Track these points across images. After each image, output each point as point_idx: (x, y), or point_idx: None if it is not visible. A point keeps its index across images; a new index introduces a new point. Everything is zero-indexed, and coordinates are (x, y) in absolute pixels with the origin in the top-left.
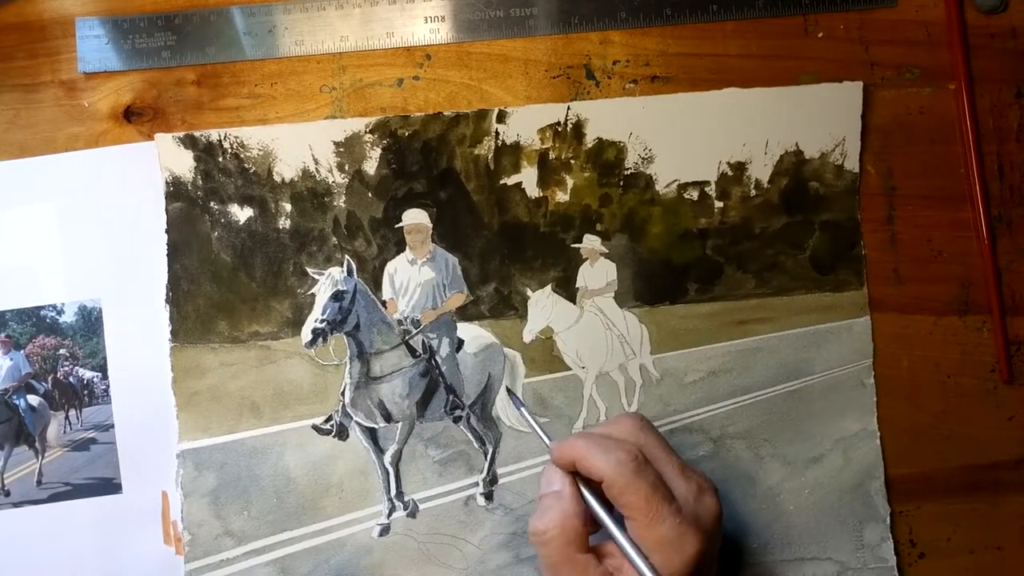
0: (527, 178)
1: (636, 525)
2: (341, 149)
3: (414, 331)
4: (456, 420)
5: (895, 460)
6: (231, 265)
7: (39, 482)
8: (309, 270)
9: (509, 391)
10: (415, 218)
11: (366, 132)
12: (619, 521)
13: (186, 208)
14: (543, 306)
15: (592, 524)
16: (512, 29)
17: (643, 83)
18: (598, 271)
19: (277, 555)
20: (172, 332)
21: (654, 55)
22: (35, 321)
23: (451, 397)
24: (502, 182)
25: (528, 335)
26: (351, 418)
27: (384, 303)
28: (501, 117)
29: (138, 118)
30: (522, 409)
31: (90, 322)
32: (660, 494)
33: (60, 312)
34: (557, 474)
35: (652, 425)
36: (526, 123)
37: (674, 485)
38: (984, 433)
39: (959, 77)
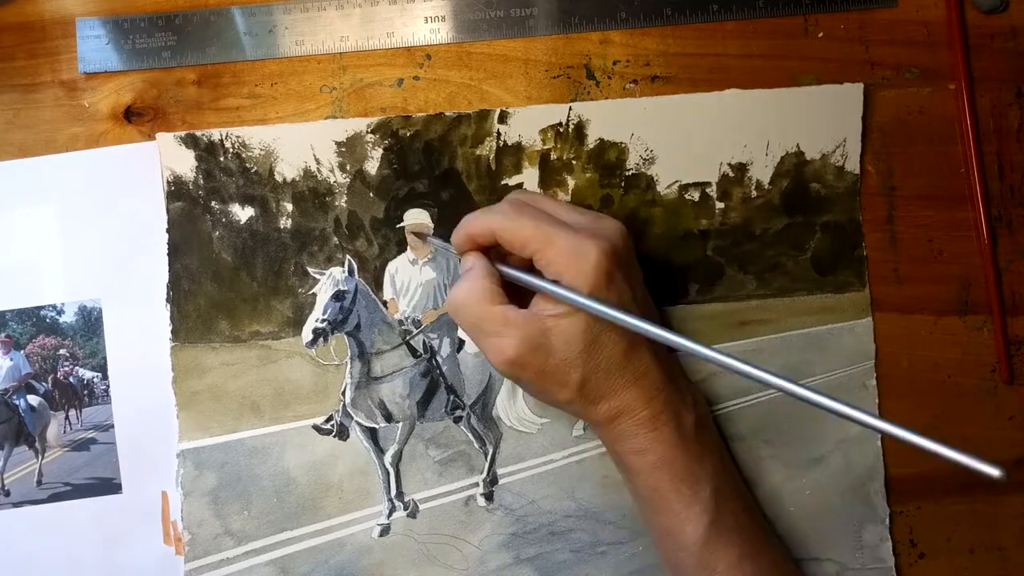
0: (529, 179)
1: (537, 255)
2: (343, 149)
3: (415, 331)
4: (457, 420)
5: (895, 460)
6: (232, 265)
7: (39, 482)
8: (310, 270)
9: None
10: (417, 218)
11: (368, 132)
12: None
13: (187, 207)
14: None
15: (511, 287)
16: (512, 29)
17: (643, 83)
18: None
19: (277, 555)
20: (173, 331)
21: (654, 55)
22: (35, 321)
23: (452, 397)
24: (504, 182)
25: None
26: (352, 418)
27: (385, 303)
28: (503, 118)
29: (138, 118)
30: (431, 238)
31: (90, 322)
32: (546, 219)
33: (60, 312)
34: (466, 255)
35: (536, 192)
36: (528, 124)
37: (565, 216)
38: (984, 433)
39: (959, 77)
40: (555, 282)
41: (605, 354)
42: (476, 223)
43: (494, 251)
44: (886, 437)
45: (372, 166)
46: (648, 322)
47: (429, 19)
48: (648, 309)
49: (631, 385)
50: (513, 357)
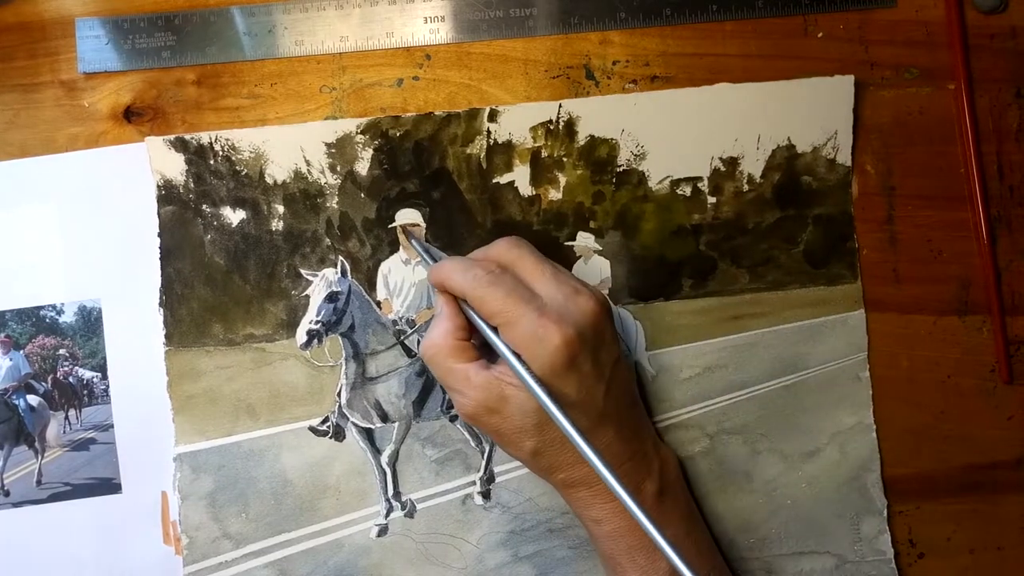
0: (520, 176)
1: (502, 329)
2: (333, 150)
3: (409, 331)
4: (452, 419)
5: (895, 460)
6: (224, 268)
7: (39, 482)
8: (303, 272)
9: (404, 230)
10: (409, 217)
11: (357, 133)
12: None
13: (178, 211)
14: None
15: (479, 337)
16: (512, 29)
17: (643, 83)
18: (592, 268)
19: (275, 557)
20: (166, 336)
21: (654, 55)
22: (35, 321)
23: (447, 396)
24: (495, 181)
25: None
26: (347, 419)
27: (379, 303)
28: (493, 116)
29: (138, 118)
30: (412, 240)
31: (90, 322)
32: (516, 296)
33: (60, 312)
34: (439, 298)
35: (526, 243)
36: (518, 122)
37: (540, 289)
38: (984, 433)
39: (959, 77)
40: (516, 354)
41: (560, 431)
42: (452, 279)
43: None
44: (883, 433)
45: (363, 167)
46: (576, 430)
47: (429, 19)
48: (621, 386)
49: (584, 462)
50: (471, 413)
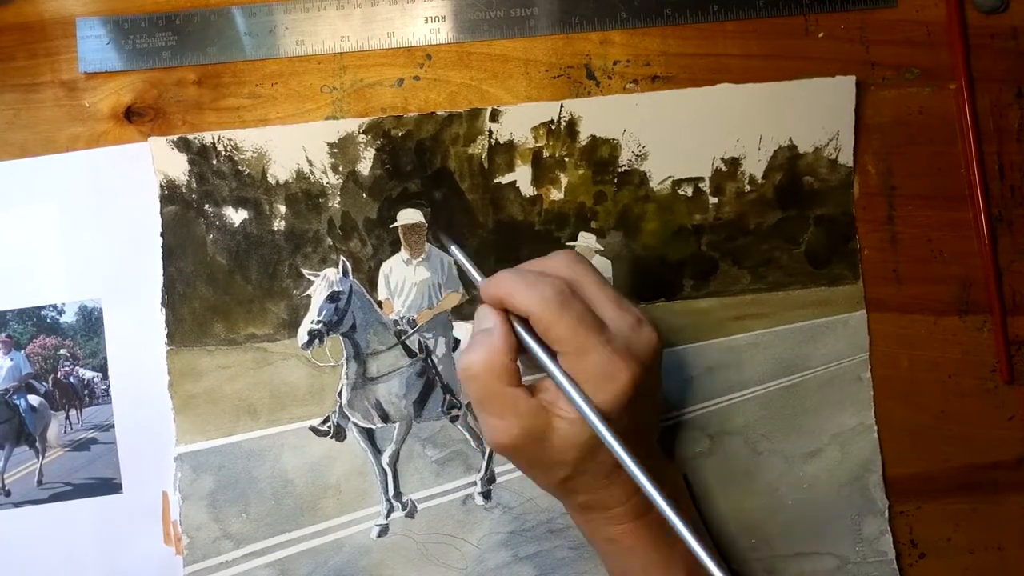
0: (521, 176)
1: (566, 358)
2: (335, 150)
3: (410, 331)
4: (453, 419)
5: (895, 460)
6: (226, 268)
7: (39, 482)
8: (304, 271)
9: (442, 236)
10: (411, 217)
11: (359, 133)
12: (553, 356)
13: (181, 211)
14: None
15: (527, 361)
16: (512, 29)
17: (643, 83)
18: None
19: (276, 557)
20: (168, 335)
21: (655, 55)
22: (35, 321)
23: (448, 396)
24: (496, 181)
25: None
26: (348, 419)
27: (380, 303)
28: (494, 116)
29: (139, 118)
30: (452, 247)
31: (90, 322)
32: (587, 324)
33: (60, 312)
34: (489, 311)
35: (585, 259)
36: (519, 122)
37: (607, 316)
38: (984, 433)
39: (959, 77)
40: (575, 383)
41: (598, 461)
42: (515, 296)
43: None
44: (883, 433)
45: (365, 167)
46: (643, 472)
47: (429, 19)
48: (655, 412)
49: (612, 486)
50: (509, 443)
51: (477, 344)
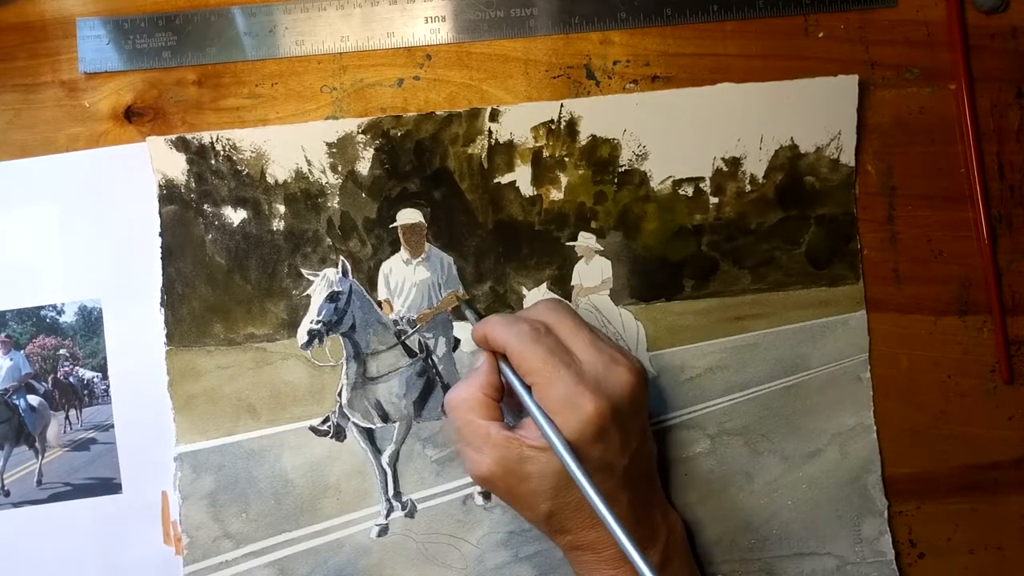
0: (521, 176)
1: (537, 389)
2: (334, 150)
3: (410, 331)
4: None
5: (895, 460)
6: (225, 268)
7: (39, 482)
8: (304, 271)
9: (463, 301)
10: (411, 217)
11: (358, 133)
12: (528, 390)
13: (179, 211)
14: None
15: (514, 406)
16: (512, 29)
17: (643, 83)
18: (593, 269)
19: (276, 557)
20: (167, 335)
21: (654, 55)
22: (35, 321)
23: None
24: (496, 181)
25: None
26: (348, 419)
27: (380, 303)
28: (494, 116)
29: (139, 118)
30: (465, 308)
31: (90, 322)
32: (557, 358)
33: (60, 312)
34: (480, 353)
35: (568, 306)
36: (519, 121)
37: (579, 353)
38: (984, 433)
39: (959, 77)
40: (543, 412)
41: (577, 495)
42: (496, 332)
43: None
44: (883, 434)
45: (364, 166)
46: (602, 501)
47: (429, 19)
48: (642, 459)
49: (599, 525)
50: (485, 474)
51: (462, 381)
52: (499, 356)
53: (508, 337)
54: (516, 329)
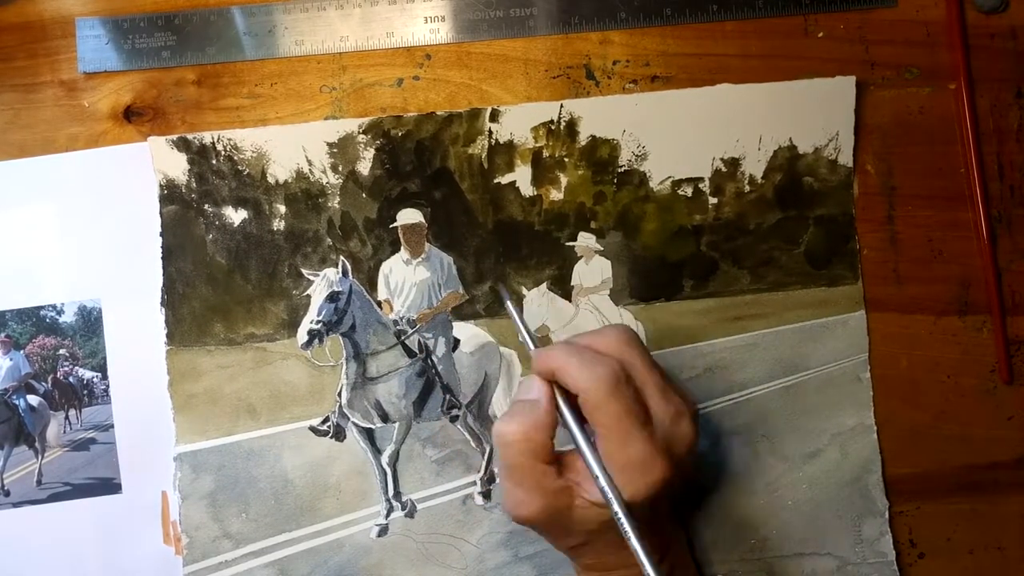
0: (521, 177)
1: (605, 443)
2: (334, 150)
3: (410, 331)
4: (453, 419)
5: (895, 460)
6: (226, 267)
7: (39, 482)
8: (304, 271)
9: (502, 286)
10: (411, 218)
11: (359, 133)
12: (589, 435)
13: (180, 211)
14: (538, 304)
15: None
16: (512, 29)
17: (643, 83)
18: (593, 269)
19: (276, 557)
20: (168, 335)
21: (654, 55)
22: (35, 321)
23: (448, 396)
24: (496, 181)
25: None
26: (348, 419)
27: (380, 303)
28: (494, 116)
29: (138, 118)
30: (508, 304)
31: (90, 322)
32: (634, 416)
33: (60, 312)
34: (536, 382)
35: (639, 338)
36: (519, 122)
37: (652, 406)
38: (984, 433)
39: (959, 77)
40: (605, 471)
41: (610, 536)
42: (567, 373)
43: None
44: (883, 434)
45: (364, 167)
46: (646, 555)
47: (429, 19)
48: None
49: (620, 551)
50: (528, 517)
51: (517, 413)
52: (556, 387)
53: (583, 383)
54: (594, 373)
